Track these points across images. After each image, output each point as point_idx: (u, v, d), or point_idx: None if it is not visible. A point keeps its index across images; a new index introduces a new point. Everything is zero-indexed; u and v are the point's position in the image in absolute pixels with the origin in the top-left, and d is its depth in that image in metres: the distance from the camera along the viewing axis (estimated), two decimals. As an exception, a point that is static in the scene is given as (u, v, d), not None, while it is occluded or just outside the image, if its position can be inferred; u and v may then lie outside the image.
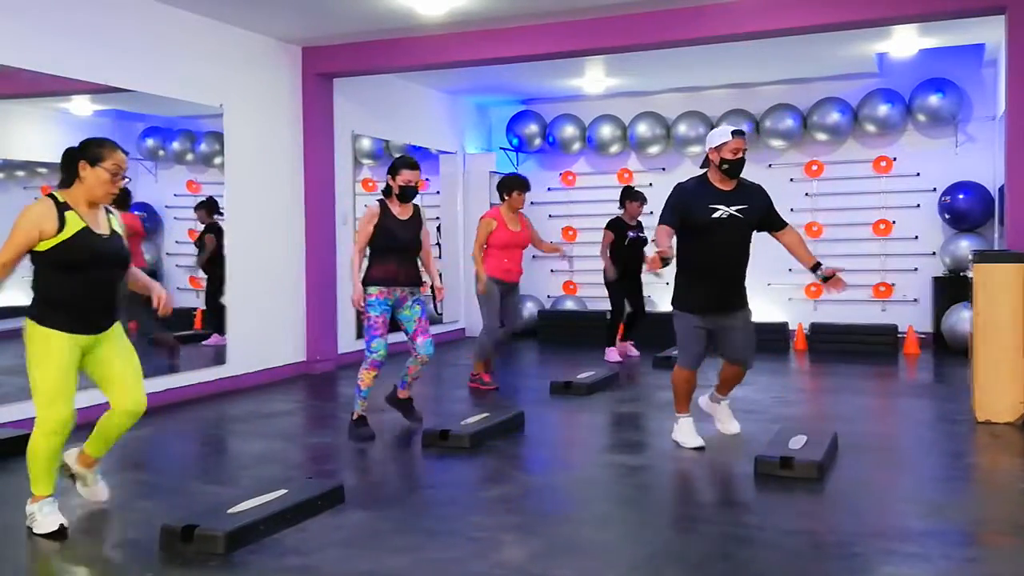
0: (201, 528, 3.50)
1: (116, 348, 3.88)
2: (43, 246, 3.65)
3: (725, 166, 4.79)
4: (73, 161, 3.75)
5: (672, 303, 5.01)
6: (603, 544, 3.63)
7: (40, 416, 3.73)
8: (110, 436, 3.97)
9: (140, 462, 5.28)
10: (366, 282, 5.38)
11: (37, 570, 3.44)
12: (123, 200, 7.17)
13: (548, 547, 3.55)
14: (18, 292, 7.35)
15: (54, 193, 3.73)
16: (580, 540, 3.66)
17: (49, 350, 3.68)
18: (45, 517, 3.72)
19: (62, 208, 3.68)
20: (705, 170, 4.95)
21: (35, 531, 3.70)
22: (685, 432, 5.11)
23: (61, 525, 3.69)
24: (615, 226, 8.47)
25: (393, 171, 5.44)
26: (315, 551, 3.51)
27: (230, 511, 3.71)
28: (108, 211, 3.90)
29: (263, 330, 7.63)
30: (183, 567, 3.37)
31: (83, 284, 3.71)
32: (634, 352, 8.78)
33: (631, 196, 8.53)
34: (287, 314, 7.96)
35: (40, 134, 7.09)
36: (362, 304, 5.34)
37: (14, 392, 5.99)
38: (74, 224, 3.68)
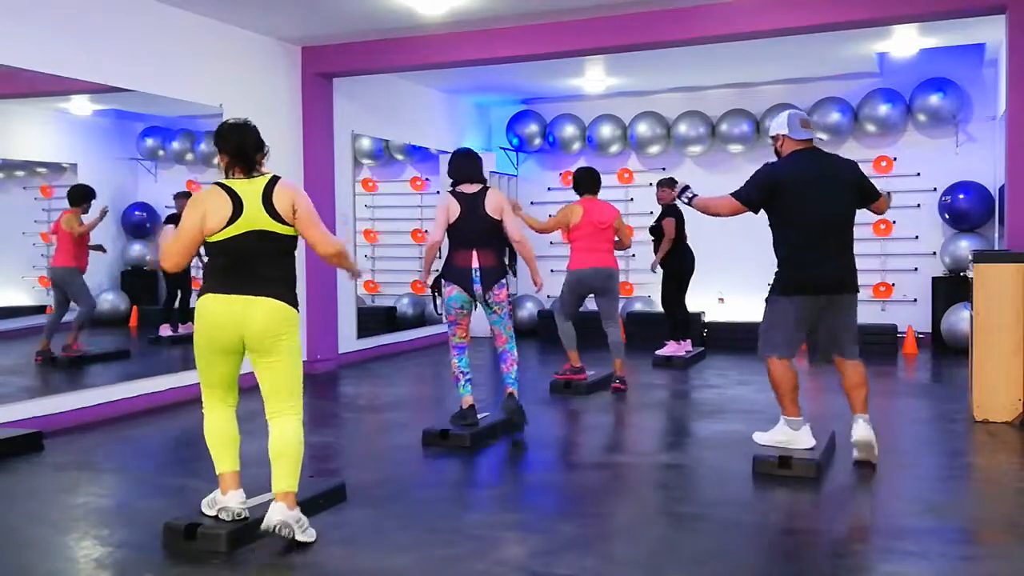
0: (204, 526, 3.52)
1: None
2: (292, 230, 3.62)
3: None
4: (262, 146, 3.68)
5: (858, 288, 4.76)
6: (602, 542, 3.64)
7: (300, 402, 3.66)
8: None
9: (142, 461, 5.29)
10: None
11: (39, 569, 3.45)
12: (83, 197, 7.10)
13: (548, 545, 3.56)
14: (19, 292, 7.40)
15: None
16: (580, 538, 3.68)
17: None
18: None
19: None
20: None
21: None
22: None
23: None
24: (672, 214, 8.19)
25: None
26: (317, 549, 3.52)
27: (231, 510, 3.72)
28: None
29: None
30: (186, 565, 3.39)
31: None
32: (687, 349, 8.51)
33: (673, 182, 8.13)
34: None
35: (40, 134, 7.11)
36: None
37: (14, 392, 6.02)
38: None
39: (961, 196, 8.92)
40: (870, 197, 4.73)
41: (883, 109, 9.26)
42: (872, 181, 4.79)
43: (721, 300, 10.05)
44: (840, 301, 4.59)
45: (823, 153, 4.71)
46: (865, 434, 4.61)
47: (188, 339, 3.66)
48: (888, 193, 4.89)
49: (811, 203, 4.50)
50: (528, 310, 10.62)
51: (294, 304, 3.61)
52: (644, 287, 10.28)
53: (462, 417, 5.35)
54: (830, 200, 4.52)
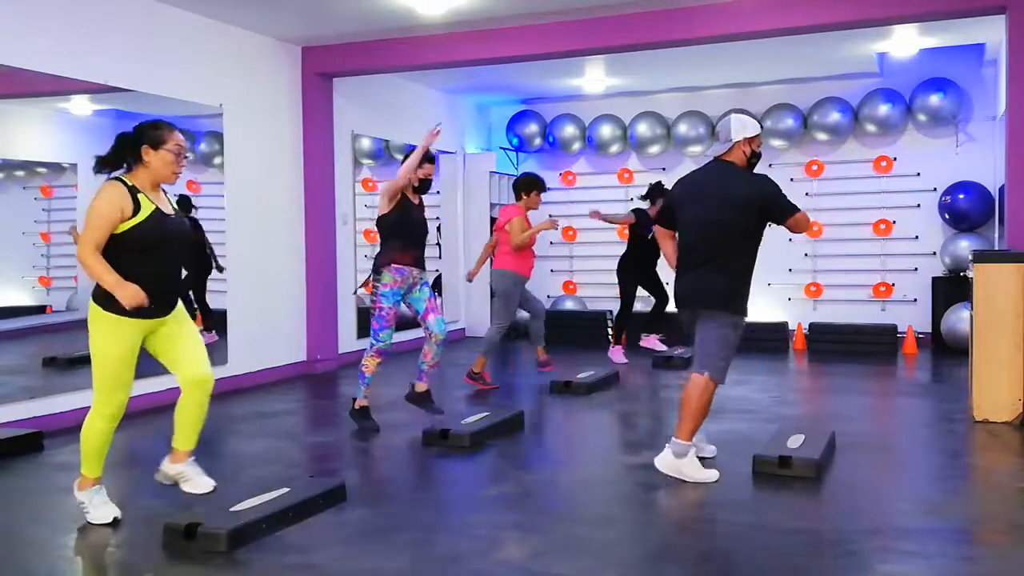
0: (204, 526, 3.52)
1: (181, 326, 3.92)
2: (119, 228, 3.68)
3: (754, 160, 4.50)
4: (134, 146, 3.84)
5: (725, 306, 4.52)
6: (602, 542, 3.64)
7: (99, 400, 3.83)
8: (190, 419, 3.99)
9: (142, 461, 5.29)
10: (379, 269, 5.55)
11: (39, 569, 3.45)
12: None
13: (548, 545, 3.57)
14: (19, 292, 7.40)
15: (121, 177, 3.80)
16: (580, 538, 3.68)
17: (113, 337, 3.72)
18: (97, 508, 3.84)
19: (133, 191, 3.75)
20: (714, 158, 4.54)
21: (89, 520, 3.81)
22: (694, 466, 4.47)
23: (115, 518, 3.82)
24: (641, 214, 8.54)
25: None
26: (317, 549, 3.52)
27: (232, 509, 3.72)
28: (165, 191, 3.98)
29: (263, 330, 7.64)
30: (186, 565, 3.39)
31: (154, 266, 3.76)
32: (660, 346, 8.72)
33: (662, 193, 8.36)
34: (287, 314, 7.97)
35: (40, 134, 7.10)
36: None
37: (14, 392, 6.02)
38: (147, 206, 3.76)
39: (961, 196, 8.92)
40: None
41: (883, 109, 9.26)
42: None
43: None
44: None
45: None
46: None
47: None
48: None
49: None
50: (528, 310, 10.61)
51: (96, 299, 3.74)
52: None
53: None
54: None
